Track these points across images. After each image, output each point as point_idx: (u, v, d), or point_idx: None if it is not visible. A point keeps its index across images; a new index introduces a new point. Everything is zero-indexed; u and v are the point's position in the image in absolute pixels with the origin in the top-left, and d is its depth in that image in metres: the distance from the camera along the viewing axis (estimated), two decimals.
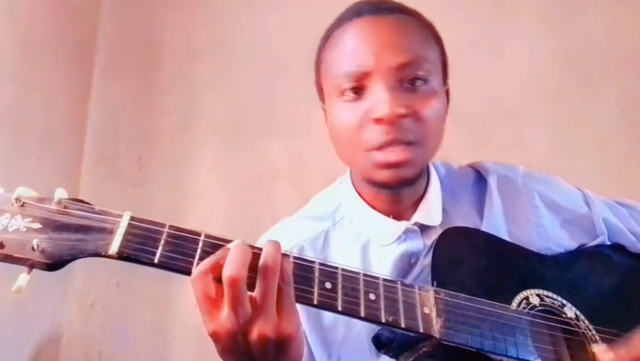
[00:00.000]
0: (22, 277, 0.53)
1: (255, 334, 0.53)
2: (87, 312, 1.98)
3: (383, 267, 0.76)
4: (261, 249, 0.56)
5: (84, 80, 2.11)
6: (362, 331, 0.73)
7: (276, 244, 0.56)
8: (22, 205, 0.56)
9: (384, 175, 0.71)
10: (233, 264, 0.53)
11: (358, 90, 0.71)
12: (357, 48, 0.72)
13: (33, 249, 0.53)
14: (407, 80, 0.70)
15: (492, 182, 0.83)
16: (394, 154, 0.69)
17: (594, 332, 0.70)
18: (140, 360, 1.93)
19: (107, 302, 1.98)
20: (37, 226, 0.55)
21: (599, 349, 0.66)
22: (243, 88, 1.98)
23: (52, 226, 0.55)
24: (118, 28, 2.17)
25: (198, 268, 0.54)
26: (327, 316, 0.76)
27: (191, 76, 2.05)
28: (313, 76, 0.82)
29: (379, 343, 0.66)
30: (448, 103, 0.79)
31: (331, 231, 0.82)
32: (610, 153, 1.59)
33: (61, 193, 0.58)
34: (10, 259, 0.54)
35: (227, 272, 0.52)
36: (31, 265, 0.54)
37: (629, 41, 1.63)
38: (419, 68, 0.71)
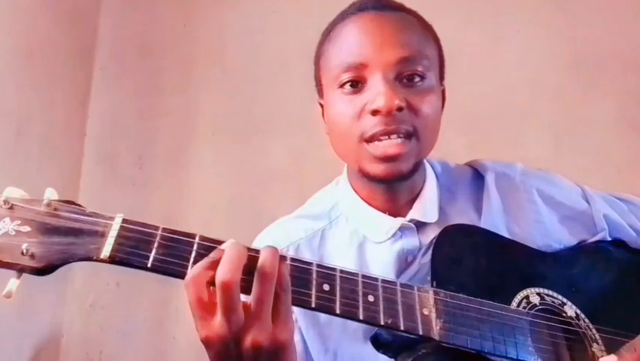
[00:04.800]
0: (12, 281, 0.52)
1: (248, 342, 0.52)
2: (87, 312, 1.98)
3: (379, 265, 0.76)
4: (257, 251, 0.55)
5: (84, 80, 2.11)
6: (359, 327, 0.73)
7: (274, 249, 0.55)
8: (11, 207, 0.54)
9: (379, 169, 0.71)
10: (227, 268, 0.51)
11: (357, 83, 0.71)
12: (357, 40, 0.72)
13: (22, 253, 0.52)
14: (405, 76, 0.71)
15: (489, 179, 0.82)
16: (390, 147, 0.69)
17: (594, 331, 0.69)
18: (140, 360, 1.93)
19: (107, 302, 1.98)
20: (27, 229, 0.53)
21: (605, 360, 0.64)
22: (243, 88, 1.98)
23: (42, 229, 0.54)
24: (118, 28, 2.17)
25: (192, 271, 0.53)
26: None
27: (191, 76, 2.05)
28: (312, 73, 0.82)
29: (378, 343, 0.65)
30: (443, 103, 0.79)
31: (327, 230, 0.82)
32: (610, 153, 1.59)
33: (50, 194, 0.56)
34: None
35: (220, 276, 0.51)
36: (21, 270, 0.52)
37: (629, 41, 1.63)
38: (418, 64, 0.71)
